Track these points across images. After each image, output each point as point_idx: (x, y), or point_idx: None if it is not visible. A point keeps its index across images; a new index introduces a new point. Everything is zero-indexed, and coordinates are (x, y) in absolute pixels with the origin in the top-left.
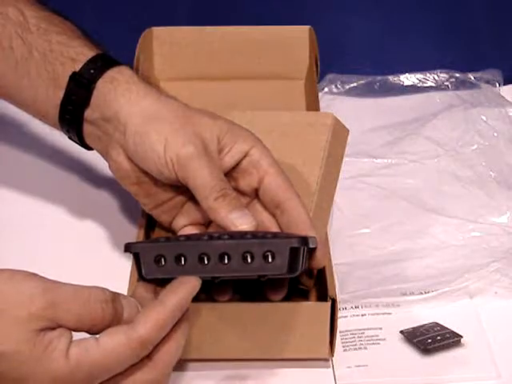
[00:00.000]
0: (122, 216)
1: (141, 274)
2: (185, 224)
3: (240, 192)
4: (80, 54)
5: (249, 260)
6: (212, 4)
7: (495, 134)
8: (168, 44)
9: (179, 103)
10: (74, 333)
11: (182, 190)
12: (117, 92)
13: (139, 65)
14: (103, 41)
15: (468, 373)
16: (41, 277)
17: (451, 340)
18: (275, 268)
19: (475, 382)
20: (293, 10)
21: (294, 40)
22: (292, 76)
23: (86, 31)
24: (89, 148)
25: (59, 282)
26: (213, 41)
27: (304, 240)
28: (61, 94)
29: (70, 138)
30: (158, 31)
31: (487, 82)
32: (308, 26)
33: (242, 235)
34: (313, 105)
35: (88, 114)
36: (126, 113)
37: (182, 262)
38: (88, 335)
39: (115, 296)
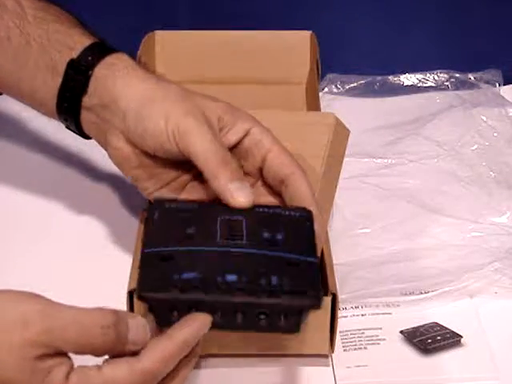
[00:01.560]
0: (122, 211)
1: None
2: None
3: (244, 174)
4: (78, 41)
5: (261, 318)
6: (214, 8)
7: (495, 134)
8: (170, 48)
9: (179, 86)
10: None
11: (185, 169)
12: (115, 77)
13: None
14: None
15: (468, 373)
16: (43, 300)
17: (451, 340)
18: (286, 327)
19: (475, 382)
20: (293, 9)
21: (295, 45)
22: (293, 80)
23: (82, 21)
24: (87, 137)
25: (60, 306)
26: (214, 45)
27: (317, 298)
28: (58, 81)
29: (67, 127)
30: (160, 35)
31: (487, 82)
32: (309, 31)
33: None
34: (314, 109)
35: (86, 100)
36: (124, 97)
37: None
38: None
39: (119, 318)
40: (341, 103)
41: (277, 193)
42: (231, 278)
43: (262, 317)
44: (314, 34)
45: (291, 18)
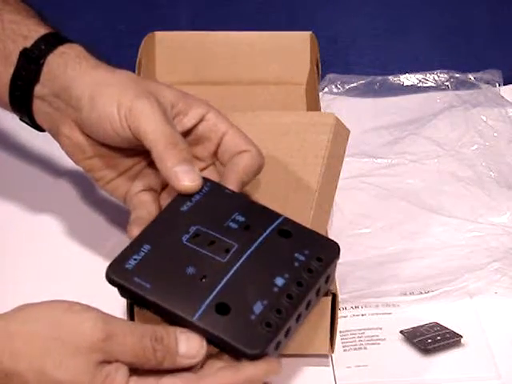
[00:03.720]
0: (122, 211)
1: None
2: (139, 190)
3: (196, 159)
4: (32, 31)
5: (319, 292)
6: (214, 9)
7: (495, 134)
8: (170, 48)
9: (132, 73)
10: None
11: (140, 157)
12: (67, 66)
13: (141, 69)
14: (105, 44)
15: (468, 373)
16: (95, 308)
17: (451, 340)
18: (330, 285)
19: (475, 382)
20: (293, 9)
21: (295, 45)
22: (293, 81)
23: (41, 13)
24: (40, 129)
25: (114, 317)
26: (214, 46)
27: (338, 249)
28: (11, 70)
29: (21, 119)
30: (160, 35)
31: (487, 82)
32: (309, 32)
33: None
34: (314, 109)
35: (38, 89)
36: (76, 85)
37: (288, 334)
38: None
39: (168, 332)
40: (341, 103)
41: None
42: (279, 281)
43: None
44: (313, 34)
45: (291, 18)
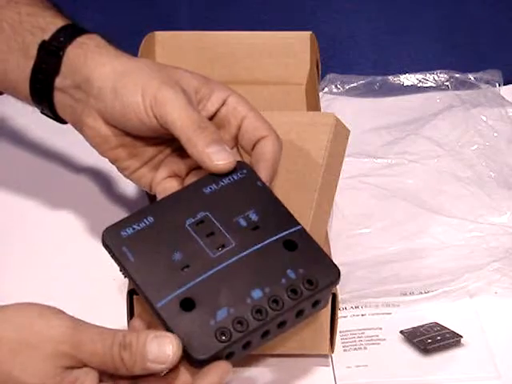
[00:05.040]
0: (122, 210)
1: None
2: (164, 177)
3: None
4: (50, 23)
5: (301, 314)
6: (214, 9)
7: (495, 134)
8: (170, 48)
9: (153, 61)
10: None
11: (163, 145)
12: (87, 56)
13: None
14: None
15: (468, 373)
16: (67, 314)
17: (451, 340)
18: (320, 309)
19: (475, 382)
20: (293, 9)
21: (295, 45)
22: (293, 81)
23: (57, 5)
24: (62, 121)
25: (85, 322)
26: (214, 46)
27: (338, 274)
28: (31, 63)
29: (42, 112)
30: (160, 35)
31: (487, 82)
32: (309, 32)
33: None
34: (314, 109)
35: (59, 82)
36: (97, 75)
37: (249, 347)
38: None
39: (135, 339)
40: (341, 103)
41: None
42: (257, 294)
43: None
44: (313, 34)
45: (291, 18)
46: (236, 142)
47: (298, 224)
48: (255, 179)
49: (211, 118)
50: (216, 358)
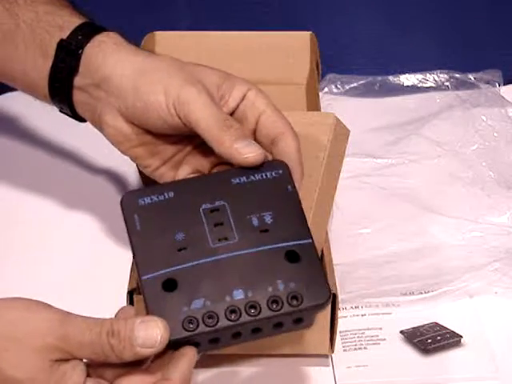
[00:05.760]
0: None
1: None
2: (187, 174)
3: None
4: (67, 22)
5: (280, 327)
6: (214, 9)
7: (495, 134)
8: (170, 48)
9: (174, 58)
10: None
11: (184, 142)
12: (105, 54)
13: None
14: None
15: (468, 373)
16: (55, 308)
17: (451, 340)
18: (302, 327)
19: (475, 382)
20: (293, 10)
21: (295, 45)
22: (293, 81)
23: (74, 2)
24: (81, 119)
25: (72, 314)
26: (214, 46)
27: (327, 298)
28: (49, 62)
29: (61, 110)
30: (160, 35)
31: (487, 82)
32: (309, 32)
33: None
34: (314, 109)
35: (78, 80)
36: (117, 73)
37: (217, 343)
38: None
39: (123, 325)
40: (341, 103)
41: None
42: (238, 294)
43: (280, 326)
44: (313, 34)
45: (291, 18)
46: (254, 137)
47: (310, 238)
48: (287, 182)
49: (232, 113)
50: (179, 343)
